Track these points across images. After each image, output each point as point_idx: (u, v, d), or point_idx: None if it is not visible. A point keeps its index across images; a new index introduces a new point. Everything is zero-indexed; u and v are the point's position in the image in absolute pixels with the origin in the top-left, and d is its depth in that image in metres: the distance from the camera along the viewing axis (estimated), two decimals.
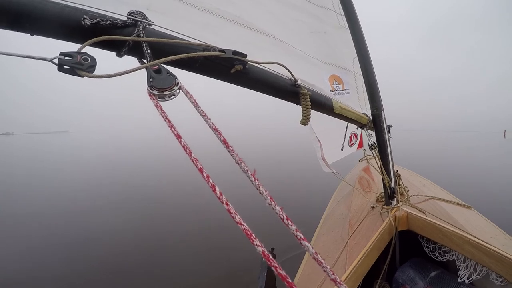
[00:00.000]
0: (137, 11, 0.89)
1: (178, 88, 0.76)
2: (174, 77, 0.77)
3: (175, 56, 0.84)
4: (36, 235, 5.69)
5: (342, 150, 2.30)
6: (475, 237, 1.42)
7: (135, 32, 0.84)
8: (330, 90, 1.84)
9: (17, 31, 0.76)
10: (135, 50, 0.85)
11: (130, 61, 0.91)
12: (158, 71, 0.77)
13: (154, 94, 0.72)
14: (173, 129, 0.67)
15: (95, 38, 0.74)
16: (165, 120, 0.68)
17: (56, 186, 10.68)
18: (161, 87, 0.73)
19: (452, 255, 1.54)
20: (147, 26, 0.89)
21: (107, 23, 0.79)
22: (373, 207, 2.13)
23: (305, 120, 1.24)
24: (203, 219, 6.01)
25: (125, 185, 10.13)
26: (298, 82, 1.25)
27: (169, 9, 1.22)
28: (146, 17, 0.90)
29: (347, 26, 2.20)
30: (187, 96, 0.76)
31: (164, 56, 0.84)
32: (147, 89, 0.73)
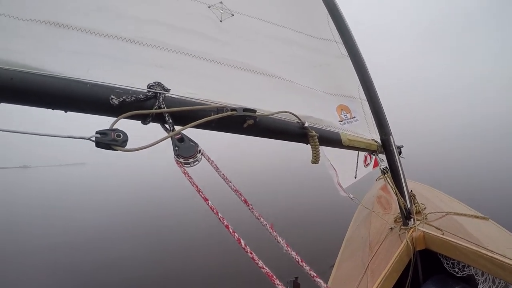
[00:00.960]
0: (155, 83, 1.00)
1: (201, 155, 0.86)
2: (196, 144, 0.88)
3: (194, 122, 0.96)
4: (53, 268, 5.83)
5: (355, 177, 2.33)
6: (490, 250, 1.44)
7: (157, 104, 0.95)
8: (339, 121, 1.90)
9: (53, 109, 0.88)
10: (158, 118, 0.96)
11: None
12: (181, 139, 0.88)
13: (181, 162, 0.83)
14: (200, 193, 0.77)
15: (124, 115, 0.85)
16: (193, 186, 0.79)
17: (76, 218, 10.80)
18: (186, 155, 0.84)
19: (471, 270, 1.55)
20: (166, 94, 1.00)
21: (132, 99, 0.91)
22: (391, 228, 2.13)
23: (315, 160, 1.32)
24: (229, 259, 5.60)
25: (146, 220, 9.97)
26: (306, 125, 1.34)
27: (179, 65, 1.34)
28: (164, 87, 1.01)
29: (348, 55, 2.29)
30: (208, 161, 0.87)
31: (184, 121, 0.95)
32: (174, 157, 0.84)
